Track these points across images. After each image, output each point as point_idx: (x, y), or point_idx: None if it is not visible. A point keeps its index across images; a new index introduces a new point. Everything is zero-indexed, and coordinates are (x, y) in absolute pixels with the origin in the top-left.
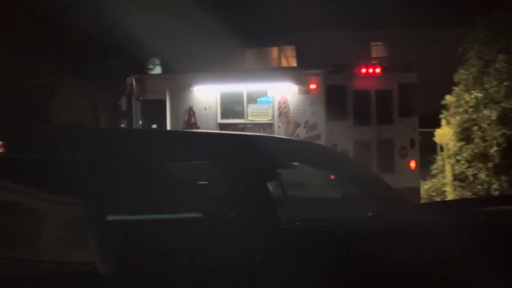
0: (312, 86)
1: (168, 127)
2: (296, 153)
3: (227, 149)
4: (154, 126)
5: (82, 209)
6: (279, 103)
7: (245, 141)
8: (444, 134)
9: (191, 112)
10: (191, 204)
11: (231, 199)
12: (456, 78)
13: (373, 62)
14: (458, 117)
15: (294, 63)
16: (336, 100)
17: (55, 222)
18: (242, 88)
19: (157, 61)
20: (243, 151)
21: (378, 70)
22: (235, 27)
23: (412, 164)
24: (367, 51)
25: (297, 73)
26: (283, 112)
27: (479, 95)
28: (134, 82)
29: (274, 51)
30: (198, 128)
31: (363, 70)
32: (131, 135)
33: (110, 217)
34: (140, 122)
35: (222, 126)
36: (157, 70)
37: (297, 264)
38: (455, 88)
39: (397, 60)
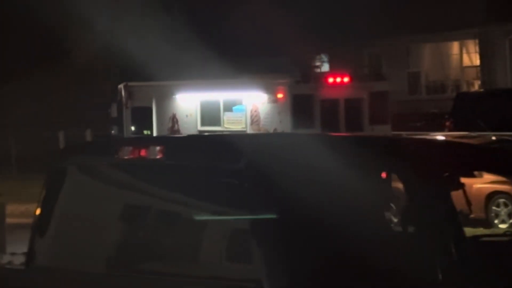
0: (280, 96)
1: (155, 134)
2: (481, 159)
3: (414, 155)
4: (146, 132)
5: (246, 221)
6: (251, 111)
7: (430, 146)
8: None
9: (174, 119)
10: (370, 215)
11: (414, 211)
12: None
13: (342, 71)
14: None
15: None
16: (303, 109)
17: (215, 234)
18: (218, 96)
19: (324, 57)
20: (428, 157)
21: (346, 79)
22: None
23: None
24: None
25: (266, 82)
26: (255, 120)
27: None
28: (123, 90)
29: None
30: (180, 135)
31: (331, 80)
32: (305, 140)
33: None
34: (133, 129)
35: (202, 133)
36: (325, 67)
37: (483, 279)
38: None
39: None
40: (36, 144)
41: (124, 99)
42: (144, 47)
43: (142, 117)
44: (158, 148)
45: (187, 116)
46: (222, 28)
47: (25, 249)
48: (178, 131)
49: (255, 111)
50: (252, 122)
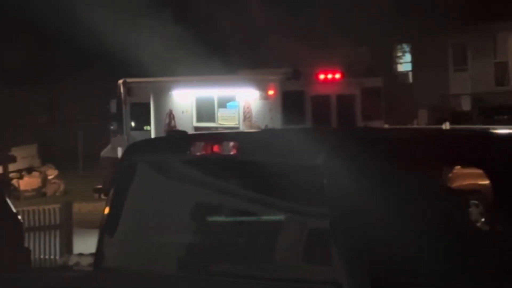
0: (270, 92)
1: (153, 130)
2: None
3: (495, 150)
4: (147, 128)
5: (325, 220)
6: (244, 108)
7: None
8: None
9: (171, 115)
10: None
11: (498, 209)
12: None
13: (334, 67)
14: None
15: None
16: (293, 105)
17: (292, 234)
18: (213, 93)
19: (406, 47)
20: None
21: (338, 75)
22: None
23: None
24: None
25: (258, 79)
26: (247, 116)
27: None
28: (121, 86)
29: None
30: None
31: (321, 76)
32: (393, 135)
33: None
34: (133, 124)
35: (197, 129)
36: (407, 57)
37: None
38: None
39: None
40: (104, 141)
41: (123, 95)
42: (142, 43)
43: (141, 113)
44: (232, 144)
45: (183, 112)
46: (220, 21)
47: (92, 249)
48: (174, 127)
49: (248, 107)
50: (244, 119)
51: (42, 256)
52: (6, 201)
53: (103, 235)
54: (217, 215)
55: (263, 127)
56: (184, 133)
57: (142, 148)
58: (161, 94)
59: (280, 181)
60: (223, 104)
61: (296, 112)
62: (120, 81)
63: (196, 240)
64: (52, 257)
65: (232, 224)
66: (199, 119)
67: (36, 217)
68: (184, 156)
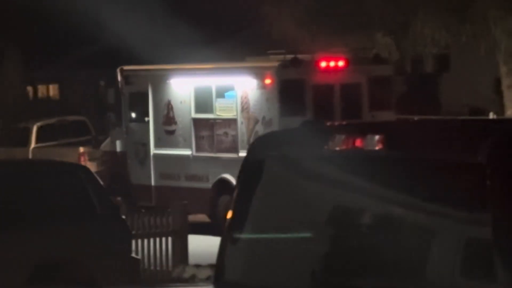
0: (267, 81)
1: (151, 121)
2: None
3: None
4: (147, 119)
5: (487, 228)
6: (241, 98)
7: None
8: None
9: (169, 106)
10: None
11: None
12: None
13: (338, 54)
14: None
15: None
16: (292, 95)
17: (446, 244)
18: (211, 82)
19: None
20: None
21: (341, 63)
22: None
23: None
24: None
25: (254, 67)
26: (245, 107)
27: None
28: (118, 75)
29: None
30: (175, 122)
31: (323, 64)
32: None
33: None
34: (132, 116)
35: (196, 121)
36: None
37: None
38: None
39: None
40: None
41: (120, 84)
42: (138, 29)
43: (140, 104)
44: (377, 137)
45: (181, 102)
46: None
47: (211, 259)
48: (173, 118)
49: (245, 97)
50: (242, 109)
51: (152, 267)
52: (114, 205)
53: (225, 243)
54: (359, 221)
55: (260, 118)
56: (321, 123)
57: (270, 141)
58: (159, 83)
59: (433, 181)
60: (221, 94)
61: (295, 102)
62: (118, 69)
63: (334, 250)
64: (164, 268)
65: (377, 232)
66: (198, 110)
67: (146, 222)
68: (321, 151)
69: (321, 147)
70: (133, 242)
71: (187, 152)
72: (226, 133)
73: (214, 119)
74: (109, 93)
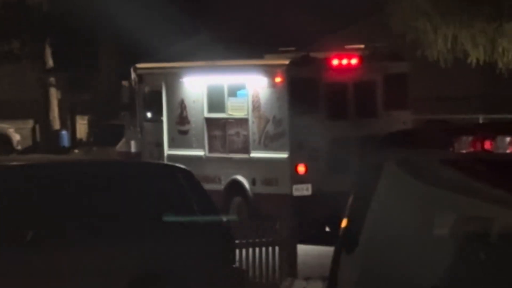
0: (278, 79)
1: (165, 121)
2: None
3: None
4: (162, 118)
5: None
6: (253, 96)
7: None
8: None
9: (183, 105)
10: None
11: None
12: None
13: (352, 51)
14: None
15: None
16: (303, 94)
17: None
18: (223, 80)
19: None
20: None
21: (354, 61)
22: None
23: None
24: None
25: (265, 65)
26: (256, 106)
27: None
28: (132, 73)
29: None
30: (189, 122)
31: (335, 62)
32: None
33: None
34: (148, 115)
35: (209, 121)
36: None
37: None
38: None
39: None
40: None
41: (133, 83)
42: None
43: (154, 102)
44: (509, 138)
45: (194, 101)
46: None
47: (323, 271)
48: (186, 118)
49: (256, 96)
50: (253, 108)
51: (257, 280)
52: (215, 206)
53: (339, 254)
54: (489, 231)
55: (271, 118)
56: (444, 123)
57: (391, 142)
58: (172, 81)
59: None
60: (233, 92)
61: (307, 101)
62: (132, 67)
63: (457, 265)
64: (269, 280)
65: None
66: (210, 109)
67: (250, 230)
68: (446, 153)
69: (445, 149)
70: (237, 252)
71: (200, 152)
72: (238, 133)
73: (226, 119)
74: (124, 91)
